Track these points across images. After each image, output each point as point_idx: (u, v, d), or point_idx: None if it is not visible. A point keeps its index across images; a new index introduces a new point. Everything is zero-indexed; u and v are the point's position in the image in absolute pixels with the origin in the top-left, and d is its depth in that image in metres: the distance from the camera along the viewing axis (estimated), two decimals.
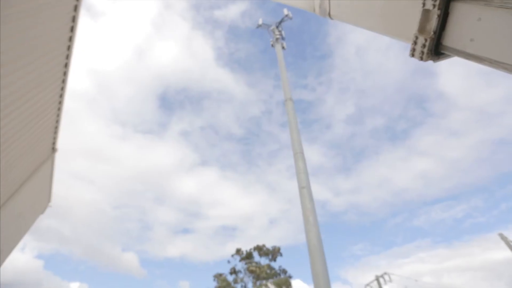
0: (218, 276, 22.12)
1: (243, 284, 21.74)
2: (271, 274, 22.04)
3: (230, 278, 22.03)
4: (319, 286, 10.53)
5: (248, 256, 23.37)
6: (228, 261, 23.34)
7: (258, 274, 21.59)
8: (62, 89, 6.82)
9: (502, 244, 18.87)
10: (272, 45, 8.58)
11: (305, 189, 13.59)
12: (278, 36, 8.58)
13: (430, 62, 1.32)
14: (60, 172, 9.69)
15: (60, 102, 7.05)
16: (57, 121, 7.65)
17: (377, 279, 21.71)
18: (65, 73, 6.70)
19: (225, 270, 23.12)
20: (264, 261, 23.18)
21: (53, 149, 8.43)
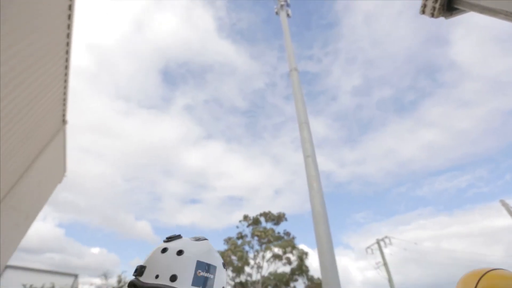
0: (228, 240, 23.76)
1: (251, 245, 23.33)
2: (276, 237, 23.46)
3: (238, 242, 23.56)
4: (322, 248, 11.06)
5: (255, 222, 24.67)
6: (237, 227, 24.78)
7: (263, 238, 23.01)
8: (67, 60, 6.75)
9: (503, 211, 19.20)
10: (277, 13, 8.10)
11: (310, 158, 13.71)
12: (282, 3, 8.06)
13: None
14: (69, 147, 10.10)
15: (66, 74, 7.03)
16: (65, 93, 7.70)
17: (377, 242, 22.74)
18: (68, 44, 6.58)
19: (233, 236, 24.62)
20: (270, 226, 24.52)
21: (64, 121, 8.61)
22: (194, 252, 0.71)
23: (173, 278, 0.65)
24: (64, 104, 8.00)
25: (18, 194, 7.34)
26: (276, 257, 22.40)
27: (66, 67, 6.86)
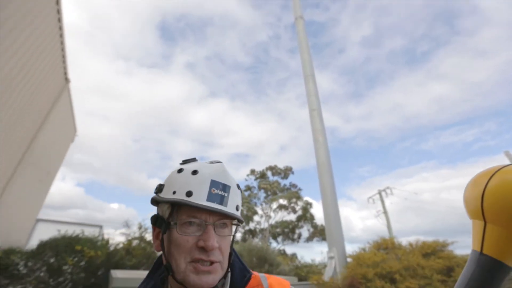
0: None
1: (258, 198, 24.80)
2: (281, 189, 24.74)
3: (246, 194, 24.94)
4: (326, 197, 11.69)
5: (262, 176, 25.76)
6: (246, 179, 25.98)
7: (269, 190, 24.30)
8: (59, 12, 6.34)
9: (507, 163, 19.27)
10: None
11: (315, 111, 13.65)
12: None
13: None
14: (76, 110, 10.16)
15: (61, 28, 6.68)
16: (63, 49, 7.44)
17: (379, 192, 23.77)
18: None
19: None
20: (277, 180, 25.64)
21: (66, 80, 8.49)
22: (209, 172, 0.75)
23: (189, 193, 0.71)
24: (64, 62, 7.79)
25: (36, 152, 7.71)
26: (282, 207, 23.94)
27: (59, 20, 6.49)
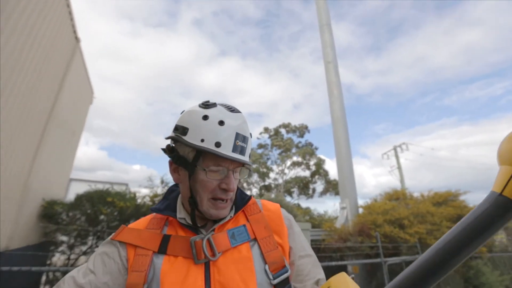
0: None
1: (269, 157, 25.30)
2: (295, 145, 24.98)
3: (259, 151, 25.46)
4: (340, 150, 11.75)
5: (276, 133, 25.89)
6: (258, 138, 26.29)
7: (282, 147, 24.61)
8: None
9: None
10: None
11: (331, 64, 12.99)
12: None
13: None
14: (90, 74, 10.21)
15: None
16: (68, 5, 7.20)
17: (394, 148, 23.49)
18: None
19: (254, 147, 26.36)
20: (292, 138, 25.71)
21: (77, 39, 8.39)
22: (234, 124, 0.80)
23: (218, 144, 0.76)
24: (72, 20, 7.60)
25: (60, 113, 8.08)
26: (296, 164, 24.47)
27: None
